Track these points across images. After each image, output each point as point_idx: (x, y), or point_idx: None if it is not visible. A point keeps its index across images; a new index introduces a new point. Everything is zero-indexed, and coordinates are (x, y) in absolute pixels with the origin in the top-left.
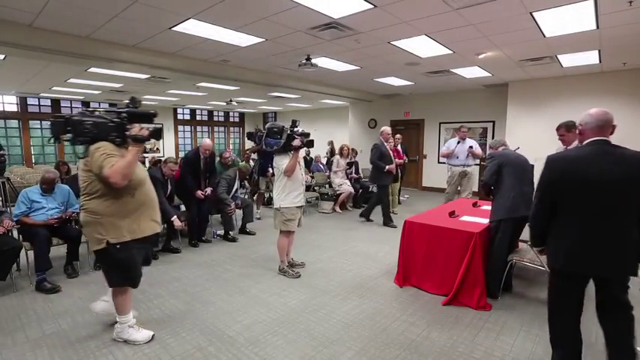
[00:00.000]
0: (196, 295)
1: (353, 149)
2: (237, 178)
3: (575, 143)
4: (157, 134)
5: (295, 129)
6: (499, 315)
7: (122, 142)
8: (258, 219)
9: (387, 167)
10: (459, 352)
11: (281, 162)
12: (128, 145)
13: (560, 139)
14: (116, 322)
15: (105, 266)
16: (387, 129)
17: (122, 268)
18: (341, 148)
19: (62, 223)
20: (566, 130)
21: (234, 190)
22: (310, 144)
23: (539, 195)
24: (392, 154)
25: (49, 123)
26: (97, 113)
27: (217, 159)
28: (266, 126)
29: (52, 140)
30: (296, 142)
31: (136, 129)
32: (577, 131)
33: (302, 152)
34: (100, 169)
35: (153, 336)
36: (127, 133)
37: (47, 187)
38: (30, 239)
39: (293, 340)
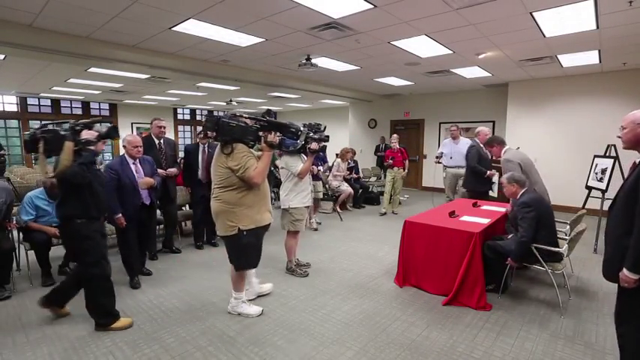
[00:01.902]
0: (196, 295)
1: (351, 149)
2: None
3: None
4: (279, 145)
5: (312, 134)
6: (499, 315)
7: (253, 145)
8: (315, 229)
9: (487, 172)
10: (459, 352)
11: (294, 163)
12: (261, 148)
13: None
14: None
15: (233, 250)
16: (484, 129)
17: (247, 251)
18: (343, 152)
19: None
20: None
21: None
22: (323, 148)
23: None
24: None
25: (203, 119)
26: (241, 118)
27: None
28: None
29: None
30: (314, 146)
31: (271, 136)
32: None
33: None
34: (244, 169)
35: (262, 311)
36: (264, 138)
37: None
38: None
39: (293, 340)
